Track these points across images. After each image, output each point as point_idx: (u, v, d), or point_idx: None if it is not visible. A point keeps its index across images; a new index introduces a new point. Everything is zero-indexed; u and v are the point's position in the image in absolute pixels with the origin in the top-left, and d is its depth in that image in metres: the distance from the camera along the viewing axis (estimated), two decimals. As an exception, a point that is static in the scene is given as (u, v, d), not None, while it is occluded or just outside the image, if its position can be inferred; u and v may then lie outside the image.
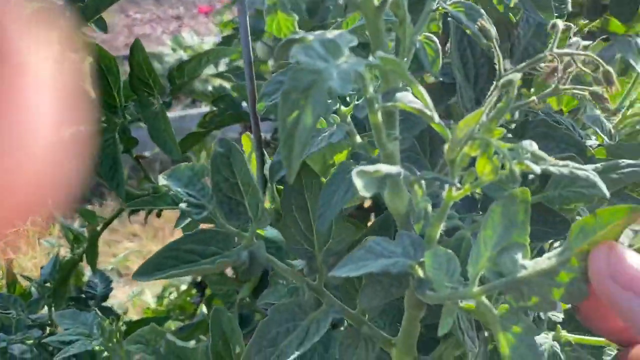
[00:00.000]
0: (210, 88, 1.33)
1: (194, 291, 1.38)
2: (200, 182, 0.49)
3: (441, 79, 0.51)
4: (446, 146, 0.36)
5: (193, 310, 1.36)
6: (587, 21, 0.66)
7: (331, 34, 0.33)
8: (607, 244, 0.31)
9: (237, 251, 0.47)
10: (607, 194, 0.34)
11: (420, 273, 0.40)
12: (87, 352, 0.76)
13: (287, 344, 0.47)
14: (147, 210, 0.95)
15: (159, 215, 1.00)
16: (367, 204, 0.90)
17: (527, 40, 0.50)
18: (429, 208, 0.39)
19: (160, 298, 1.66)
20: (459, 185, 0.37)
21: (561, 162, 0.35)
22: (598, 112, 0.64)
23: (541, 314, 0.56)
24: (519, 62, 0.40)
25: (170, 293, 1.67)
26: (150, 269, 0.45)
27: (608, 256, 0.30)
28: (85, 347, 0.68)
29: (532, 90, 0.55)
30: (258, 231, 0.66)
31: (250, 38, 0.69)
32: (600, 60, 0.37)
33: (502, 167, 0.34)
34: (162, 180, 0.50)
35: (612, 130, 0.52)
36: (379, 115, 0.39)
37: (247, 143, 0.84)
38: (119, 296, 1.94)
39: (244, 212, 0.48)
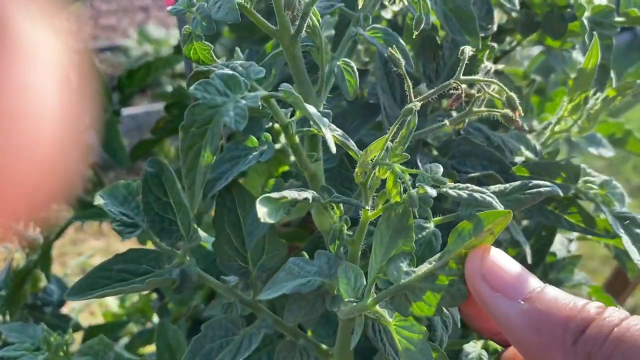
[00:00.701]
0: (170, 89, 1.34)
1: (154, 295, 1.38)
2: (135, 201, 0.50)
3: (370, 100, 0.52)
4: (356, 170, 0.37)
5: (152, 315, 1.37)
6: (523, 37, 0.68)
7: (238, 64, 0.34)
8: (483, 247, 0.32)
9: (169, 270, 0.48)
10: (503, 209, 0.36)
11: (335, 290, 0.41)
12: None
13: (220, 358, 0.48)
14: (100, 221, 0.96)
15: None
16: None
17: (453, 61, 0.52)
18: (344, 228, 0.40)
19: (122, 301, 1.66)
20: (368, 208, 0.38)
21: (462, 186, 0.36)
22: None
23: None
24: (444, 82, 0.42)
25: (131, 296, 1.67)
26: (82, 289, 0.46)
27: (482, 258, 0.31)
28: (33, 360, 0.68)
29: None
30: (202, 244, 0.67)
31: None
32: (504, 87, 0.39)
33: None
34: (98, 200, 0.50)
35: (538, 147, 0.54)
36: (296, 139, 0.40)
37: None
38: (85, 305, 1.93)
39: (177, 230, 0.49)
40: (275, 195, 0.34)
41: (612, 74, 0.54)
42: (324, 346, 0.55)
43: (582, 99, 0.53)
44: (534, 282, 0.31)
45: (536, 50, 0.82)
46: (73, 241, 2.31)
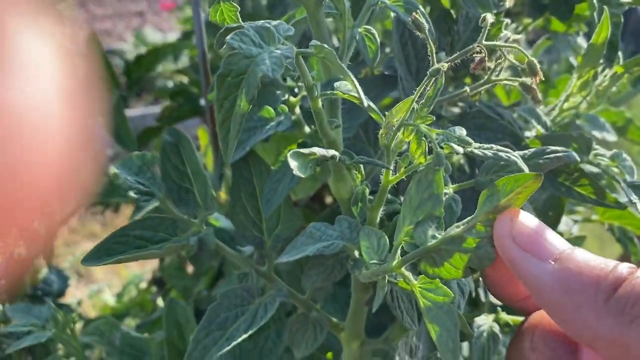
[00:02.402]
0: (171, 85, 1.34)
1: (154, 289, 1.38)
2: (150, 171, 0.51)
3: (385, 72, 0.53)
4: (380, 132, 0.38)
5: (152, 308, 1.36)
6: (531, 20, 0.69)
7: (269, 23, 0.34)
8: (512, 210, 0.32)
9: (186, 237, 0.48)
10: (527, 171, 0.36)
11: (356, 254, 0.42)
12: (40, 345, 0.76)
13: (235, 327, 0.49)
14: (105, 206, 0.96)
15: (116, 210, 1.00)
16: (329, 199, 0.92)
17: (467, 35, 0.53)
18: (367, 191, 0.41)
19: (120, 296, 1.66)
20: (392, 168, 0.39)
21: (486, 146, 0.37)
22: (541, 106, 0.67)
23: (482, 297, 0.58)
24: (465, 58, 0.43)
25: (130, 291, 1.67)
26: (99, 254, 0.46)
27: (511, 220, 0.32)
28: (39, 339, 0.68)
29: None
30: (212, 222, 0.67)
31: (204, 33, 0.70)
32: (525, 52, 0.39)
33: (432, 150, 0.36)
34: (113, 169, 0.50)
35: (549, 123, 0.55)
36: (320, 103, 0.41)
37: (203, 136, 0.85)
38: (79, 296, 1.92)
39: (193, 199, 0.49)
40: (304, 150, 0.34)
41: (620, 52, 0.55)
42: (335, 320, 0.55)
43: (591, 75, 0.54)
44: (564, 244, 0.31)
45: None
46: (66, 243, 2.30)
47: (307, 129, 0.52)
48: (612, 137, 0.70)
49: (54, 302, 1.05)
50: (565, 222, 0.70)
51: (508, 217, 0.32)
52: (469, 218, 0.34)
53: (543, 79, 0.39)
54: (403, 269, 0.37)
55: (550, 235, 0.31)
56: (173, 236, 0.48)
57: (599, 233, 0.78)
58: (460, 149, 0.35)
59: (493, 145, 0.37)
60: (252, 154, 0.51)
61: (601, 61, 0.55)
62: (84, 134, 0.19)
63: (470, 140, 0.36)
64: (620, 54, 0.56)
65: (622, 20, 0.54)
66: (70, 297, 1.87)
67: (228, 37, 0.31)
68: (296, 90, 0.53)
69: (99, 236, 2.37)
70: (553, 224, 0.61)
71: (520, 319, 0.55)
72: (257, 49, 0.31)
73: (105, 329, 0.71)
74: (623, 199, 0.50)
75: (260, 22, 0.33)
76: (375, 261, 0.39)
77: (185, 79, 1.29)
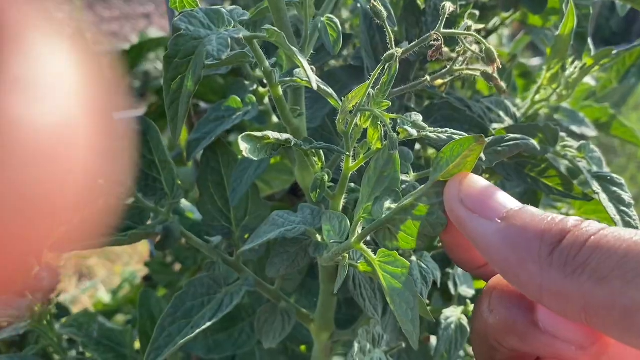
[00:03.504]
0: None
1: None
2: (120, 160, 0.51)
3: (353, 63, 0.53)
4: (338, 117, 0.38)
5: (142, 305, 1.36)
6: (509, 14, 0.69)
7: (222, 7, 0.35)
8: (460, 173, 0.32)
9: (152, 225, 0.48)
10: (483, 157, 0.37)
11: (318, 238, 0.42)
12: (24, 337, 0.77)
13: (201, 315, 0.49)
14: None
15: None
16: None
17: (435, 27, 0.53)
18: (325, 177, 0.41)
19: (114, 293, 1.66)
20: (351, 154, 0.39)
21: (440, 130, 0.37)
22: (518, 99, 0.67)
23: (452, 290, 0.58)
24: (426, 47, 0.43)
25: (124, 288, 1.67)
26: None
27: (459, 183, 0.32)
28: (16, 330, 0.68)
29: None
30: (187, 215, 0.67)
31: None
32: (483, 40, 0.39)
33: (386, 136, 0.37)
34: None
35: (518, 114, 0.55)
36: (280, 90, 0.41)
37: (183, 131, 0.85)
38: (74, 293, 1.92)
39: (161, 187, 0.49)
40: (257, 133, 0.35)
41: (590, 43, 0.55)
42: (304, 311, 0.55)
43: (560, 67, 0.54)
44: (512, 203, 0.31)
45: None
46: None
47: (275, 120, 0.52)
48: (591, 132, 0.70)
49: (45, 298, 1.05)
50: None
51: (456, 180, 0.32)
52: (421, 187, 0.34)
53: (500, 67, 0.39)
54: (362, 244, 0.37)
55: (499, 194, 0.31)
56: (139, 224, 0.48)
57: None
58: (415, 132, 0.35)
59: (449, 130, 0.37)
60: (219, 144, 0.51)
61: (571, 53, 0.55)
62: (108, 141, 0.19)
63: (424, 124, 0.36)
64: (590, 45, 0.56)
65: (591, 11, 0.54)
66: (69, 294, 1.87)
67: (175, 19, 0.31)
68: (265, 81, 0.53)
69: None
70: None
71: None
72: (205, 30, 0.31)
73: (84, 321, 0.71)
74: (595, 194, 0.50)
75: (211, 6, 0.33)
76: (336, 240, 0.39)
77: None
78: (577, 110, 0.70)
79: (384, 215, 0.34)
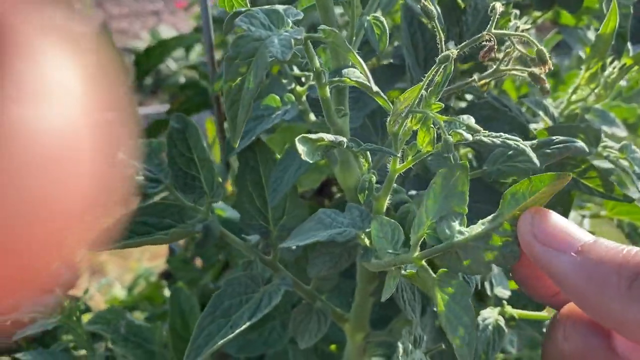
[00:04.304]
0: (183, 80, 1.34)
1: (163, 283, 1.38)
2: (157, 158, 0.51)
3: (392, 61, 0.52)
4: (389, 119, 0.38)
5: (162, 302, 1.37)
6: (541, 13, 0.69)
7: (278, 6, 0.34)
8: (534, 208, 0.33)
9: (192, 224, 0.48)
10: (537, 162, 0.36)
11: (367, 242, 0.42)
12: (48, 333, 0.77)
13: (239, 315, 0.49)
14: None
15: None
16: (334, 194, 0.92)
17: (476, 26, 0.52)
18: (373, 179, 0.41)
19: (130, 290, 1.66)
20: (399, 155, 0.38)
21: (494, 134, 0.37)
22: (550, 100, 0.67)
23: (488, 291, 0.58)
24: (474, 47, 0.42)
25: (139, 285, 1.67)
26: (105, 240, 0.46)
27: (533, 218, 0.32)
28: (44, 326, 0.68)
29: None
30: (218, 212, 0.67)
31: (212, 26, 0.70)
32: (535, 41, 0.39)
33: (439, 139, 0.36)
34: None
35: (556, 114, 0.54)
36: (327, 90, 0.40)
37: (211, 127, 0.85)
38: (91, 291, 1.93)
39: (200, 186, 0.49)
40: (313, 135, 0.34)
41: (629, 44, 0.54)
42: (339, 311, 0.55)
43: (599, 66, 0.53)
44: (586, 236, 0.31)
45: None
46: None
47: (313, 118, 0.51)
48: (622, 132, 0.69)
49: (64, 294, 1.05)
50: (573, 217, 0.70)
51: (529, 215, 0.32)
52: (492, 215, 0.34)
53: (552, 69, 0.39)
54: (424, 262, 0.36)
55: (571, 228, 0.32)
56: (179, 223, 0.48)
57: (605, 229, 0.77)
58: (469, 136, 0.35)
59: (502, 134, 0.37)
60: (258, 143, 0.51)
61: (610, 53, 0.54)
62: (112, 147, 0.18)
63: (479, 127, 0.36)
64: (629, 45, 0.55)
65: (631, 11, 0.53)
66: (82, 291, 1.87)
67: (237, 19, 0.30)
68: (303, 79, 0.53)
69: (117, 232, 2.37)
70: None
71: (526, 312, 0.55)
72: (266, 31, 0.31)
73: (111, 317, 0.71)
74: (634, 194, 0.50)
75: (269, 6, 0.32)
76: (390, 251, 0.38)
77: (195, 74, 1.30)
78: (607, 110, 0.70)
79: (455, 239, 0.34)
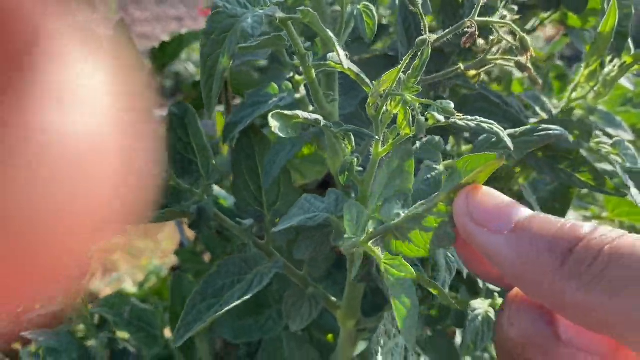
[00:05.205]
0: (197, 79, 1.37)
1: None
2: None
3: (389, 53, 0.53)
4: (368, 101, 0.39)
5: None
6: (547, 14, 0.69)
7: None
8: (470, 186, 0.31)
9: (187, 205, 0.49)
10: (511, 146, 0.37)
11: (341, 226, 0.43)
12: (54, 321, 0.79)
13: (230, 294, 0.50)
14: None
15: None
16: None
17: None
18: (355, 162, 0.42)
19: (141, 285, 1.69)
20: (380, 139, 0.39)
21: (469, 117, 0.37)
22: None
23: (480, 284, 0.58)
24: (460, 37, 0.43)
25: (150, 281, 1.70)
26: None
27: (467, 196, 0.30)
28: (49, 309, 0.71)
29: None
30: (220, 201, 0.69)
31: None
32: (517, 28, 0.40)
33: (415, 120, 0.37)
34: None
35: (553, 110, 0.55)
36: (314, 74, 0.42)
37: (220, 121, 0.87)
38: (99, 286, 1.96)
39: (196, 170, 0.51)
40: (287, 112, 0.36)
41: (630, 42, 0.54)
42: (332, 298, 0.56)
43: (599, 64, 0.53)
44: (522, 212, 0.29)
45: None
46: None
47: (310, 108, 0.53)
48: (628, 135, 0.69)
49: (75, 284, 1.08)
50: (575, 217, 0.70)
51: (465, 193, 0.30)
52: (432, 196, 0.33)
53: (534, 55, 0.40)
54: (371, 244, 0.37)
55: (508, 205, 0.29)
56: (175, 204, 0.50)
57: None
58: (442, 118, 0.36)
59: (477, 118, 0.38)
60: (254, 130, 0.52)
61: (610, 52, 0.54)
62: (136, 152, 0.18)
63: (453, 111, 0.37)
64: (630, 44, 0.55)
65: (633, 11, 0.54)
66: (94, 287, 1.91)
67: (215, -2, 0.32)
68: (302, 69, 0.54)
69: (128, 231, 2.41)
70: (560, 215, 0.61)
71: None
72: (242, 9, 0.32)
73: (115, 302, 0.73)
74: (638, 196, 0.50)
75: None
76: (351, 235, 0.39)
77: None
78: (613, 113, 0.69)
79: (392, 222, 0.34)
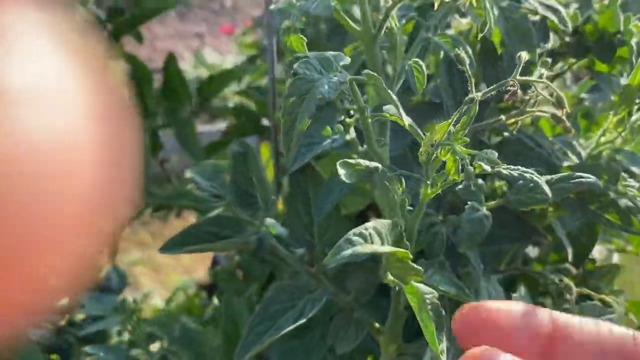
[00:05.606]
0: (231, 105, 1.43)
1: (202, 295, 1.45)
2: (220, 177, 0.58)
3: (434, 100, 0.58)
4: (420, 149, 0.44)
5: (199, 313, 1.44)
6: (575, 60, 0.74)
7: (329, 53, 0.41)
8: None
9: (248, 235, 0.55)
10: (549, 194, 0.41)
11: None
12: (99, 332, 0.84)
13: (284, 319, 0.55)
14: (167, 210, 1.04)
15: (178, 215, 1.08)
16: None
17: (511, 71, 0.58)
18: (406, 202, 0.46)
19: (169, 301, 1.74)
20: (429, 182, 0.44)
21: (513, 167, 0.42)
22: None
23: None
24: (502, 91, 0.48)
25: (178, 297, 1.75)
26: (175, 245, 0.53)
27: None
28: (110, 323, 0.76)
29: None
30: (270, 229, 0.74)
31: (276, 61, 0.78)
32: (555, 88, 0.45)
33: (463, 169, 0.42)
34: (188, 174, 0.58)
35: (583, 153, 0.59)
36: (369, 122, 0.47)
37: (265, 151, 0.92)
38: (129, 301, 2.01)
39: (256, 202, 0.56)
40: (351, 160, 0.41)
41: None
42: (376, 323, 0.60)
43: (627, 113, 0.58)
44: None
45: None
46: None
47: (360, 149, 0.58)
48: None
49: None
50: (599, 250, 0.74)
51: None
52: None
53: (569, 112, 0.44)
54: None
55: None
56: (237, 234, 0.55)
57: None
58: (488, 168, 0.41)
59: (520, 167, 0.43)
60: (309, 167, 0.57)
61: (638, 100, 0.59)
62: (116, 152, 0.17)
63: (498, 161, 0.41)
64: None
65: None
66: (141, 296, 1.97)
67: (295, 65, 0.37)
68: (352, 112, 0.59)
69: (148, 244, 2.47)
70: (586, 249, 0.65)
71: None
72: (318, 75, 0.38)
73: (166, 320, 0.78)
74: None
75: (322, 53, 0.39)
76: None
77: (244, 100, 1.38)
78: (638, 152, 0.73)
79: None
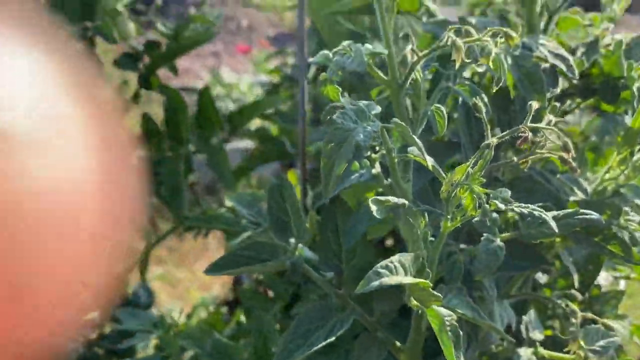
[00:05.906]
0: (252, 128, 1.50)
1: (223, 310, 1.51)
2: (257, 206, 0.64)
3: (453, 139, 0.64)
4: (442, 188, 0.49)
5: (222, 328, 1.49)
6: (582, 99, 0.79)
7: (362, 103, 0.47)
8: None
9: (283, 260, 0.60)
10: (556, 229, 0.47)
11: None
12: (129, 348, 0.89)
13: (315, 337, 0.60)
14: (197, 230, 1.10)
15: (206, 235, 1.14)
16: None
17: (523, 115, 0.64)
18: (428, 234, 0.52)
19: (189, 317, 1.80)
20: (449, 217, 0.50)
21: (524, 205, 0.48)
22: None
23: (523, 334, 0.68)
24: (514, 136, 0.54)
25: (199, 313, 1.80)
26: (219, 267, 0.59)
27: None
28: (146, 339, 0.82)
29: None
30: (299, 252, 0.80)
31: (306, 97, 0.84)
32: (561, 134, 0.50)
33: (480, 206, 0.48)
34: (228, 202, 0.64)
35: (589, 189, 0.65)
36: (395, 162, 0.53)
37: (292, 177, 0.99)
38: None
39: (290, 229, 0.62)
40: (382, 198, 0.47)
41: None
42: (397, 343, 0.66)
43: (629, 153, 0.63)
44: None
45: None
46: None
47: (384, 181, 0.64)
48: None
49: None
50: (605, 277, 0.79)
51: None
52: None
53: (575, 156, 0.50)
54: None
55: None
56: (272, 258, 0.61)
57: None
58: (503, 206, 0.46)
59: (530, 205, 0.48)
60: (338, 198, 0.63)
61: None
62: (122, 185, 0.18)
63: (512, 200, 0.47)
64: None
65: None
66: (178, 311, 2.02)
67: (334, 116, 0.43)
68: (377, 148, 0.65)
69: (165, 260, 2.53)
70: (591, 277, 0.71)
71: (556, 354, 0.64)
72: (354, 125, 0.44)
73: (199, 335, 0.84)
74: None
75: (356, 103, 0.45)
76: None
77: (265, 123, 1.45)
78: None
79: None
